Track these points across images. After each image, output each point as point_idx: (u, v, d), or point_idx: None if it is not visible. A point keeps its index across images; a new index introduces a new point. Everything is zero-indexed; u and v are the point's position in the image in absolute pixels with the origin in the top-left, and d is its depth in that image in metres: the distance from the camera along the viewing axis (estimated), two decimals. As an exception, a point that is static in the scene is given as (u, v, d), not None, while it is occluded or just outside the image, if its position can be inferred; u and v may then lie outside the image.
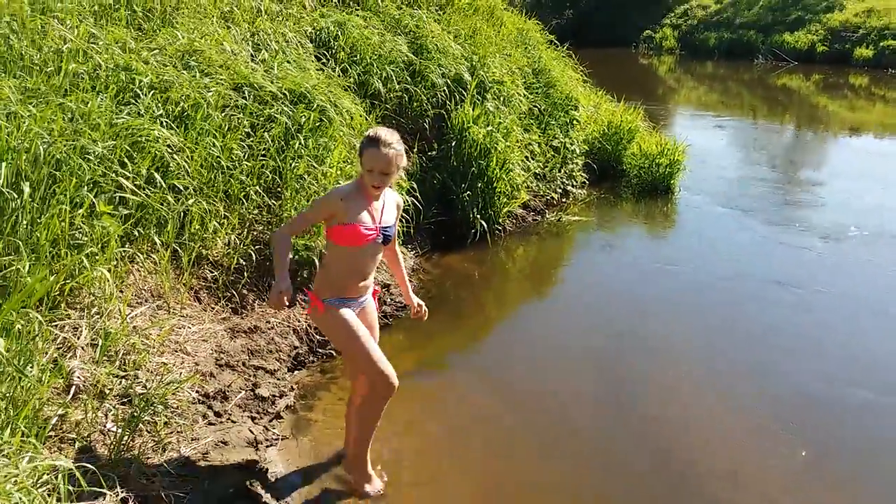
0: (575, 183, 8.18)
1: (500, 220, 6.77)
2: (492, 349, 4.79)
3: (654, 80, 20.36)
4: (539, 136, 7.75)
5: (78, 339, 3.15)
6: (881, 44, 19.85)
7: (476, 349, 4.76)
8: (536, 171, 7.60)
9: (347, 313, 3.03)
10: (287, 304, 2.89)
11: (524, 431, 3.79)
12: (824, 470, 3.56)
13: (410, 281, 5.44)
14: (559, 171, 8.03)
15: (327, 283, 3.06)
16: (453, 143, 6.60)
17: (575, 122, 8.47)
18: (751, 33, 22.83)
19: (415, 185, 5.93)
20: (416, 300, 3.48)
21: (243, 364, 3.72)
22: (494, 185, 6.63)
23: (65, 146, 3.40)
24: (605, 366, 4.53)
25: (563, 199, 7.87)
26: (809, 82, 18.92)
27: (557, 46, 9.82)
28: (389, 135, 2.93)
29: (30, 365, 2.81)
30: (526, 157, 7.34)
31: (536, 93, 8.22)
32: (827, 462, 3.61)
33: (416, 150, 6.39)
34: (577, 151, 8.31)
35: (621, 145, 8.66)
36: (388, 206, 3.12)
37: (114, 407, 3.07)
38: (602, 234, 7.19)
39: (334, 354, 4.29)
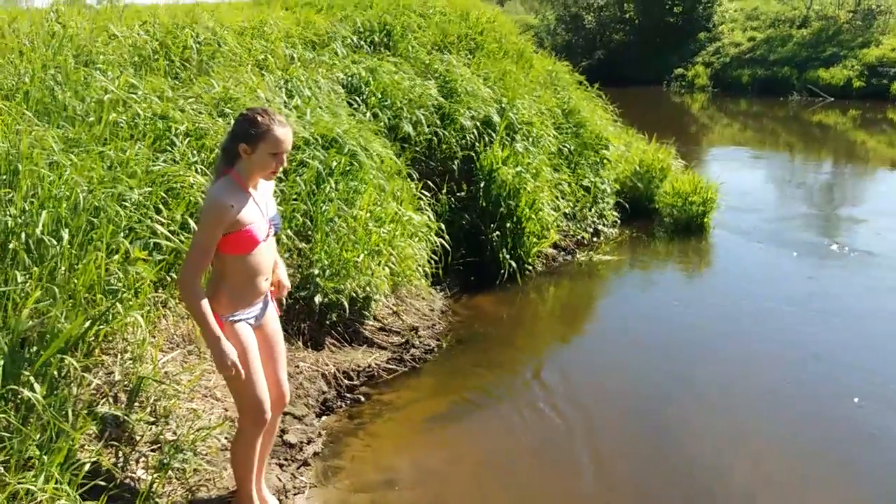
0: (606, 222, 8.13)
1: (530, 261, 6.74)
2: (523, 391, 4.71)
3: (686, 117, 20.28)
4: (569, 176, 7.75)
5: (111, 384, 3.19)
6: (920, 78, 19.61)
7: (507, 391, 4.69)
8: (566, 211, 7.58)
9: (246, 334, 2.76)
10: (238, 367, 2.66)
11: (556, 475, 3.70)
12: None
13: (439, 322, 5.50)
14: (590, 211, 7.99)
15: (224, 296, 2.71)
16: (482, 184, 6.63)
17: (605, 161, 8.45)
18: (785, 70, 22.68)
19: (443, 227, 5.96)
20: (286, 281, 3.05)
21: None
22: (524, 225, 6.62)
23: (103, 194, 3.49)
24: (640, 408, 4.43)
25: (594, 239, 7.82)
26: (846, 118, 18.65)
27: (588, 87, 9.87)
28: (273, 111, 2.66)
29: (64, 410, 2.84)
30: (556, 196, 7.33)
31: (566, 133, 8.24)
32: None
33: (444, 191, 6.44)
34: (608, 191, 8.27)
35: (653, 184, 8.59)
36: (266, 192, 2.80)
37: (144, 454, 3.08)
38: (635, 273, 7.10)
39: (362, 400, 4.28)
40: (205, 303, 2.59)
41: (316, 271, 4.47)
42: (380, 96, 6.46)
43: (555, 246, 7.26)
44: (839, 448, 4.02)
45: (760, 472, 3.78)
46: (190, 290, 2.58)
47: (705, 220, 8.02)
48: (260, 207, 2.71)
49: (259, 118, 2.59)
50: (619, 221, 8.26)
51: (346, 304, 4.48)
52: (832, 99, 20.61)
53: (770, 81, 22.68)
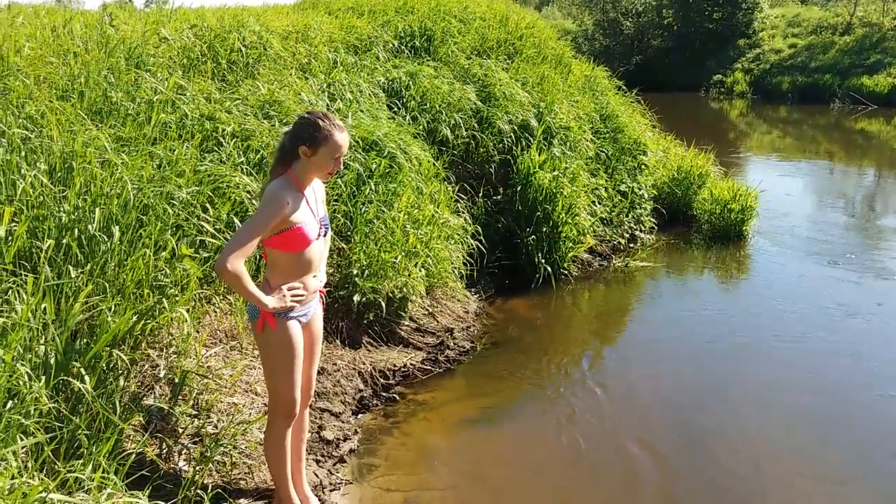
0: (643, 228, 8.07)
1: (566, 265, 6.72)
2: (556, 396, 4.71)
3: (725, 124, 20.00)
4: (606, 181, 7.72)
5: (156, 378, 3.28)
6: (968, 85, 19.07)
7: (540, 396, 4.69)
8: (603, 216, 7.54)
9: (296, 334, 2.84)
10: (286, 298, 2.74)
11: (589, 482, 3.70)
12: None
13: (473, 325, 5.53)
14: (626, 216, 7.94)
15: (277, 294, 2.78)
16: (519, 188, 6.64)
17: (643, 166, 8.40)
18: (826, 77, 22.23)
19: (479, 229, 5.99)
20: (323, 276, 3.04)
21: (310, 406, 3.78)
22: (560, 229, 6.62)
23: (152, 192, 3.59)
24: (675, 417, 4.39)
25: (631, 245, 7.77)
26: (890, 126, 18.21)
27: (626, 92, 9.81)
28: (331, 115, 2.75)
29: (112, 402, 2.94)
30: (592, 201, 7.31)
31: (604, 138, 8.20)
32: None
33: (481, 194, 6.46)
34: (646, 196, 8.22)
35: (691, 190, 8.51)
36: (318, 193, 2.88)
37: (186, 446, 3.17)
38: (671, 280, 7.04)
39: (397, 399, 4.32)
40: (244, 275, 2.61)
41: (355, 271, 4.53)
42: (419, 100, 6.52)
43: (591, 251, 7.23)
44: (879, 469, 3.94)
45: (796, 490, 3.72)
46: (233, 265, 2.56)
47: (744, 227, 7.92)
48: (311, 208, 2.79)
49: (321, 122, 2.67)
50: (656, 227, 8.20)
51: (382, 304, 4.54)
52: (875, 107, 20.15)
53: (811, 88, 22.27)
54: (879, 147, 16.27)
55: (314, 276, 2.89)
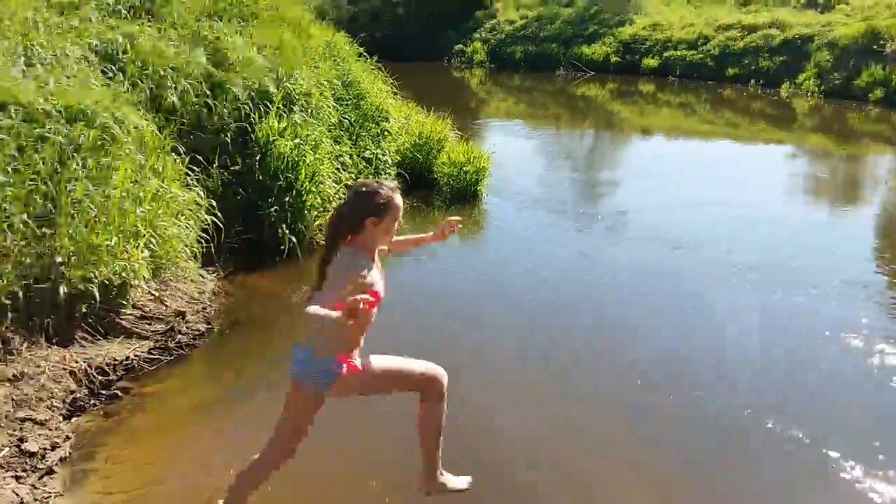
0: (389, 193, 8.24)
1: (313, 235, 6.65)
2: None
3: (466, 92, 21.13)
4: (350, 148, 7.74)
5: None
6: (664, 54, 22.05)
7: (285, 374, 4.59)
8: (348, 183, 7.57)
9: (373, 358, 2.95)
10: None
11: (332, 458, 3.69)
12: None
13: (210, 305, 5.18)
14: (372, 183, 8.05)
15: (345, 345, 2.84)
16: (258, 157, 6.40)
17: (386, 133, 8.56)
18: (553, 46, 24.40)
19: (215, 203, 5.67)
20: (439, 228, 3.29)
21: (6, 417, 3.31)
22: (304, 198, 6.50)
23: None
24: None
25: (378, 210, 7.90)
26: (605, 90, 20.57)
27: (366, 59, 9.87)
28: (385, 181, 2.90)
29: None
30: (337, 168, 7.29)
31: (347, 105, 8.19)
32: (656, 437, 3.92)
33: (216, 165, 6.11)
34: (389, 162, 8.40)
35: (431, 155, 8.88)
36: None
37: None
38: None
39: (120, 395, 3.96)
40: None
41: (60, 259, 4.02)
42: (140, 65, 5.93)
43: (338, 218, 7.21)
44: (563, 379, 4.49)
45: (517, 431, 4.11)
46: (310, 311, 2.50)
47: (478, 187, 8.48)
48: (381, 271, 2.91)
49: (387, 191, 2.79)
50: (402, 191, 8.42)
51: (96, 293, 4.10)
52: (593, 73, 22.60)
53: (540, 57, 24.29)
54: (597, 110, 18.36)
55: (363, 335, 2.91)
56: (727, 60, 20.56)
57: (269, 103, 6.73)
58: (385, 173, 8.30)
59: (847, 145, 13.40)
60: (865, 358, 4.98)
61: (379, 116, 8.57)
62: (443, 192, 8.63)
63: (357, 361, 2.86)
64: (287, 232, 6.30)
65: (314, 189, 6.61)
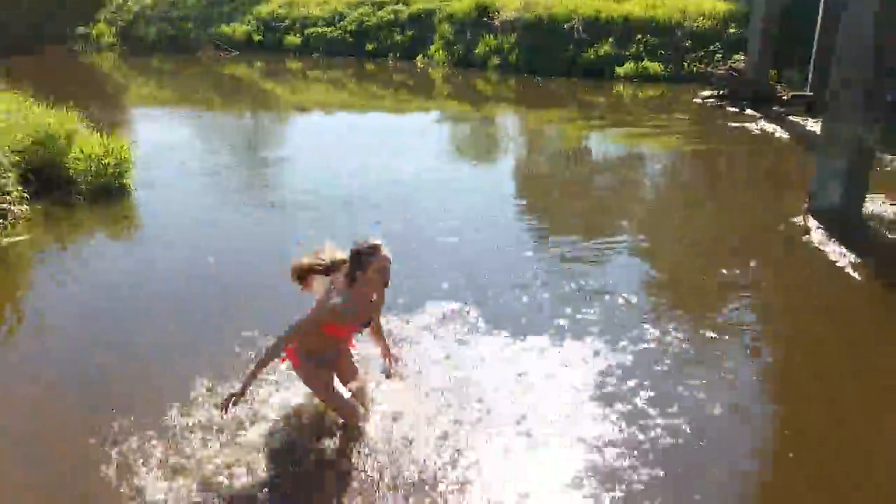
0: (12, 200, 7.06)
1: None
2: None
3: (98, 78, 18.98)
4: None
5: None
6: (305, 31, 22.31)
7: None
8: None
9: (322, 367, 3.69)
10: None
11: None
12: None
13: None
14: (-12, 190, 6.82)
15: (307, 348, 3.63)
16: None
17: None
18: (191, 26, 23.11)
19: None
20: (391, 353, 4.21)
21: None
22: None
23: None
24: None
25: (2, 221, 6.75)
26: (254, 69, 20.15)
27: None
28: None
29: None
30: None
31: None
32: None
33: None
34: (6, 164, 7.16)
35: (61, 150, 7.79)
36: (377, 298, 3.72)
37: None
38: (58, 248, 6.49)
39: None
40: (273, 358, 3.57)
41: None
42: None
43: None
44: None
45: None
46: (280, 343, 3.49)
47: (124, 181, 7.74)
48: (363, 311, 3.58)
49: (368, 248, 3.45)
50: (28, 197, 7.27)
51: None
52: (238, 52, 21.97)
53: (179, 38, 22.87)
54: (248, 88, 17.97)
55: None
56: (365, 37, 21.57)
57: None
58: (4, 178, 7.06)
59: (481, 109, 15.08)
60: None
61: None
62: (83, 191, 7.65)
63: (304, 358, 3.63)
64: None
65: None
